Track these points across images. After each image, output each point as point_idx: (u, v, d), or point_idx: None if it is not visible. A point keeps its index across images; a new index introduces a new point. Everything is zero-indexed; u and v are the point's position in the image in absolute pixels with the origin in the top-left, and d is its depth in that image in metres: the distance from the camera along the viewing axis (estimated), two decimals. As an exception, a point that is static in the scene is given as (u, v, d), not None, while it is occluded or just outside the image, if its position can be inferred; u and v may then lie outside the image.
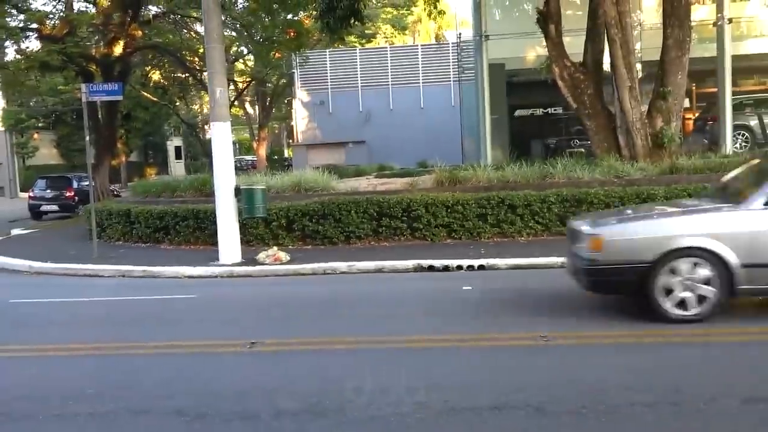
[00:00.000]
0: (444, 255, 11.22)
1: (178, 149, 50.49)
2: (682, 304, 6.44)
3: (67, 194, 25.98)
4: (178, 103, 44.35)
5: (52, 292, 10.67)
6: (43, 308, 9.37)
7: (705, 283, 6.38)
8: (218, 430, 4.55)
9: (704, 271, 6.35)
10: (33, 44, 26.05)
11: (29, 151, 42.79)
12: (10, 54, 26.24)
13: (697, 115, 22.90)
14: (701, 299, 6.41)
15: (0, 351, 6.87)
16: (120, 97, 15.57)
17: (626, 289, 6.73)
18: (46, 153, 44.44)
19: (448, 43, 40.27)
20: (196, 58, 31.57)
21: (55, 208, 25.84)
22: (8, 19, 22.97)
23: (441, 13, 19.67)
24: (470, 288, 9.02)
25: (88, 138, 14.45)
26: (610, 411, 4.50)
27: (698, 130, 21.17)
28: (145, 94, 36.90)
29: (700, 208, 6.97)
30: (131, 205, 15.99)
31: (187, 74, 35.29)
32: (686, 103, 19.87)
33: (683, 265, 6.39)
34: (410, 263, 10.87)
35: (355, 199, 13.16)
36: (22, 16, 23.68)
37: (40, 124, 42.38)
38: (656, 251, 6.41)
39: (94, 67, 25.37)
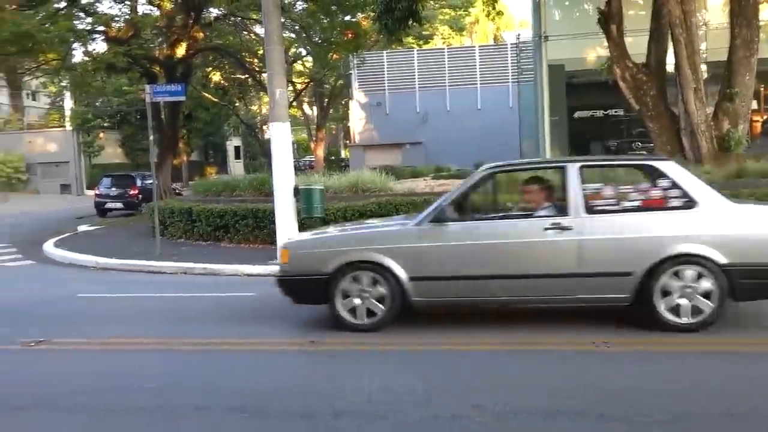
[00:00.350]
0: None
1: (237, 149, 51.27)
2: (367, 313, 6.76)
3: (131, 192, 26.62)
4: (237, 104, 45.04)
5: (118, 288, 10.90)
6: (109, 303, 9.58)
7: (380, 297, 6.72)
8: (278, 427, 4.57)
9: (380, 286, 6.70)
10: (99, 46, 26.81)
11: (95, 150, 43.98)
12: (78, 56, 27.03)
13: (765, 117, 22.26)
14: (369, 312, 6.75)
15: (68, 344, 7.05)
16: (183, 98, 15.86)
17: (311, 298, 7.06)
18: (111, 152, 45.65)
19: (506, 44, 39.95)
20: (255, 60, 32.00)
21: (119, 205, 26.50)
22: (76, 23, 23.66)
23: (499, 13, 19.53)
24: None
25: (152, 137, 14.76)
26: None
27: (766, 132, 20.55)
28: (206, 95, 37.55)
29: (380, 224, 7.52)
30: (192, 203, 16.24)
31: (246, 75, 35.80)
32: (754, 104, 19.31)
33: (355, 276, 6.74)
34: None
35: (412, 200, 13.13)
36: (89, 19, 24.34)
37: (105, 124, 43.54)
38: (335, 264, 6.75)
39: (158, 68, 25.93)
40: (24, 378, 5.95)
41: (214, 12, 27.37)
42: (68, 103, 43.12)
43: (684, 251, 6.19)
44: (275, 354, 6.52)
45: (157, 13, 25.91)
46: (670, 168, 6.53)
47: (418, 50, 40.82)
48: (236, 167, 48.85)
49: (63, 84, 33.11)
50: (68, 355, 6.73)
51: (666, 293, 6.24)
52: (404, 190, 14.78)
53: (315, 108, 47.47)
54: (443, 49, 42.75)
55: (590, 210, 6.45)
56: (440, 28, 48.54)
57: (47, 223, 22.16)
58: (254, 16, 26.69)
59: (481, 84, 39.17)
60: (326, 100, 43.28)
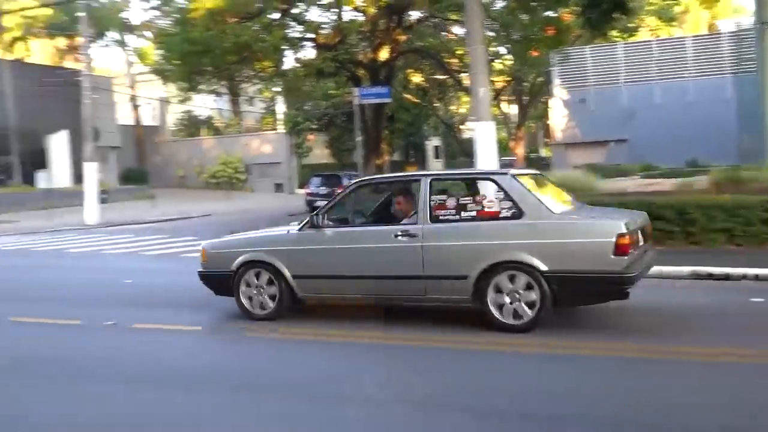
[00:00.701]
0: (723, 262, 10.12)
1: (436, 148, 51.84)
2: (261, 306, 7.74)
3: (339, 191, 27.65)
4: (437, 104, 45.50)
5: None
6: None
7: (271, 292, 7.69)
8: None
9: (265, 279, 7.69)
10: (308, 53, 28.13)
11: (304, 151, 46.36)
12: (289, 63, 28.57)
13: None
14: (265, 305, 7.71)
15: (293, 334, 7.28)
16: (388, 100, 16.26)
17: (225, 291, 8.02)
18: (319, 153, 47.94)
19: (722, 33, 37.05)
20: (455, 60, 32.09)
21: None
22: (288, 31, 25.00)
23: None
24: (761, 300, 8.15)
25: (359, 138, 15.25)
26: None
27: None
28: (407, 96, 38.26)
29: (271, 229, 8.79)
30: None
31: (446, 76, 36.04)
32: None
33: (251, 274, 7.76)
34: (685, 269, 10.01)
35: (621, 201, 12.43)
36: (300, 28, 25.63)
37: (313, 126, 45.73)
38: (235, 263, 7.81)
39: (362, 71, 26.75)
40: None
41: (415, 14, 27.81)
42: (281, 108, 45.81)
43: (509, 258, 6.65)
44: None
45: (361, 18, 26.75)
46: (504, 180, 6.94)
47: (623, 43, 38.96)
48: (436, 166, 49.38)
49: (276, 89, 35.21)
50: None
51: (496, 296, 6.75)
52: (611, 190, 14.07)
53: (514, 106, 46.84)
54: (651, 41, 40.44)
55: (434, 219, 7.05)
56: (647, 20, 45.97)
57: (264, 219, 23.62)
58: (453, 17, 26.75)
59: (693, 76, 36.60)
60: (526, 97, 42.53)
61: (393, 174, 9.95)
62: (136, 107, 49.30)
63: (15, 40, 43.64)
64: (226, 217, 25.43)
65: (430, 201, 7.09)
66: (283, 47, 24.41)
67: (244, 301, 7.85)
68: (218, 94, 42.39)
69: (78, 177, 35.29)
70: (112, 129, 43.36)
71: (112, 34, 46.58)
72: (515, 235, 6.70)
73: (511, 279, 6.69)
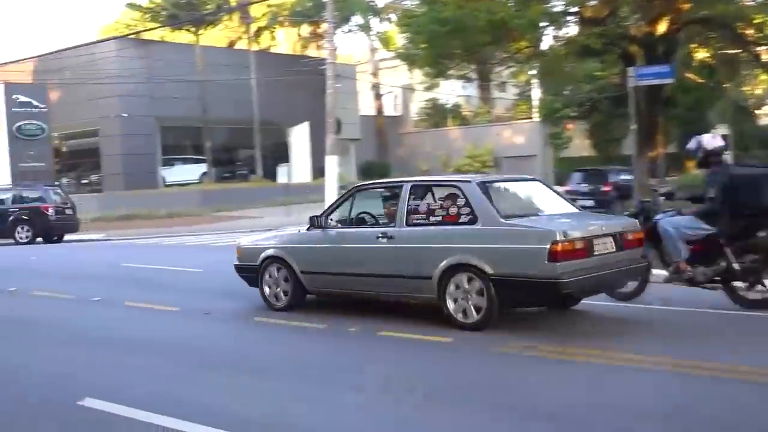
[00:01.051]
0: None
1: (724, 138, 48.34)
2: (277, 298, 9.54)
3: (604, 189, 26.55)
4: (727, 85, 42.27)
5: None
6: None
7: (285, 281, 9.45)
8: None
9: (282, 274, 9.46)
10: (570, 29, 27.28)
11: (562, 141, 45.21)
12: (547, 42, 27.90)
13: None
14: (280, 296, 9.53)
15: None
16: (671, 80, 15.22)
17: (253, 282, 9.86)
18: (578, 144, 46.38)
19: None
20: (751, 30, 29.46)
21: (590, 203, 26.61)
22: (548, 6, 24.39)
23: None
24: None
25: (633, 127, 14.42)
26: None
27: None
28: (690, 75, 35.86)
29: (287, 230, 10.53)
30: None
31: (739, 50, 33.27)
32: None
33: (272, 268, 9.55)
34: None
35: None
36: (563, 1, 24.92)
37: (573, 114, 44.43)
38: (260, 258, 9.63)
39: (636, 48, 25.43)
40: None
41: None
42: (536, 93, 45.15)
43: (462, 261, 7.92)
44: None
45: (637, -14, 25.44)
46: (466, 187, 8.18)
47: None
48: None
49: (532, 72, 34.72)
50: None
51: (453, 296, 8.03)
52: None
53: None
54: None
55: (408, 223, 8.50)
56: None
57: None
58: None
59: None
60: None
61: (384, 180, 11.36)
62: (378, 96, 51.21)
63: (260, 30, 47.31)
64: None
65: (407, 205, 8.58)
66: (542, 24, 23.87)
67: (267, 291, 9.70)
68: (468, 79, 42.73)
69: (317, 171, 37.52)
70: (354, 120, 45.55)
71: (357, 19, 48.78)
72: (468, 240, 8.02)
73: (468, 281, 7.96)
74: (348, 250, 9.01)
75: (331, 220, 9.38)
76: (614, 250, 8.03)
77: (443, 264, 8.04)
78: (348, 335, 8.21)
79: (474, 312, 7.90)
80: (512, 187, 9.32)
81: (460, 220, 8.12)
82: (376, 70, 51.69)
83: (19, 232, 23.97)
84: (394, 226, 8.63)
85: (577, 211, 9.03)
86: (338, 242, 9.11)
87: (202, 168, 40.57)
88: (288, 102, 40.96)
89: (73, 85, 36.89)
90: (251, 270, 9.90)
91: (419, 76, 39.86)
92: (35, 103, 33.69)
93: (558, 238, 7.43)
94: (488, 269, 7.74)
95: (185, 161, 42.18)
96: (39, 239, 24.33)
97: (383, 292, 8.84)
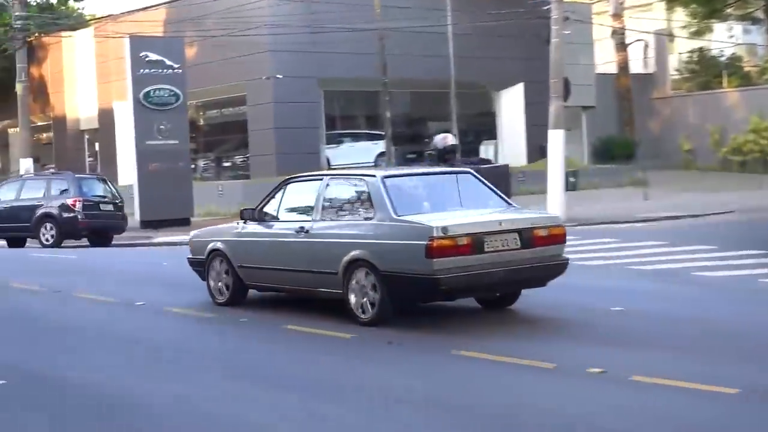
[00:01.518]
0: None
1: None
2: (220, 292, 12.56)
3: None
4: None
5: None
6: None
7: (227, 275, 12.40)
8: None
9: (224, 267, 12.38)
10: None
11: None
12: None
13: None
14: (223, 290, 12.56)
15: None
16: None
17: (202, 275, 12.75)
18: None
19: None
20: None
21: None
22: None
23: None
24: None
25: None
26: None
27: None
28: None
29: (226, 224, 14.12)
30: None
31: None
32: None
33: (216, 262, 12.51)
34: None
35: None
36: None
37: None
38: (207, 251, 12.61)
39: None
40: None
41: None
42: None
43: (360, 256, 10.35)
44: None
45: None
46: (371, 181, 10.73)
47: None
48: None
49: None
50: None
51: (354, 291, 10.46)
52: None
53: None
54: None
55: (322, 217, 11.10)
56: None
57: None
58: None
59: None
60: None
61: (310, 173, 13.81)
62: (622, 47, 49.35)
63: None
64: (758, 215, 24.41)
65: (323, 200, 11.11)
66: None
67: (212, 285, 12.39)
68: (752, 20, 41.00)
69: (533, 151, 37.10)
70: (588, 80, 44.47)
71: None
72: (365, 236, 10.42)
73: (365, 276, 10.22)
74: (273, 244, 11.80)
75: (265, 213, 11.95)
76: (517, 247, 10.11)
77: (345, 259, 10.37)
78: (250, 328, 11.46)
79: (369, 308, 10.20)
80: (431, 181, 11.77)
81: (363, 216, 10.65)
82: (619, 10, 49.30)
83: (43, 233, 25.88)
84: (311, 221, 11.10)
85: (500, 206, 11.19)
86: (266, 236, 11.86)
87: (379, 147, 40.35)
88: (496, 57, 40.63)
89: (214, 38, 37.59)
90: (200, 264, 12.61)
91: (682, 18, 38.72)
92: (168, 62, 33.77)
93: (435, 234, 9.60)
94: (379, 265, 10.03)
95: (357, 137, 42.28)
96: (72, 240, 26.60)
97: (303, 287, 11.45)
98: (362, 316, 10.34)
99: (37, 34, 44.12)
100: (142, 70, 33.13)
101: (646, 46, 51.78)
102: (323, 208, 11.12)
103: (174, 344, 10.49)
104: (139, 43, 34.13)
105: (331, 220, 11.08)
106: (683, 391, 7.45)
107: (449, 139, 15.54)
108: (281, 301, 12.54)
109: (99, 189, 27.30)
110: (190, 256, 13.06)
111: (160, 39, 37.61)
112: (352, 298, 10.42)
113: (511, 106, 42.05)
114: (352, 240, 10.50)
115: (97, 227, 26.87)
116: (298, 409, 7.30)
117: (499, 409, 7.15)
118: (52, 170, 35.97)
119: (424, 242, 9.57)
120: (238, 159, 42.42)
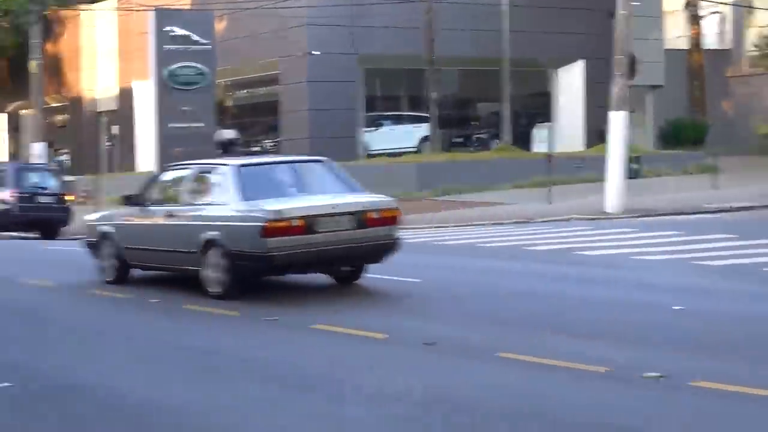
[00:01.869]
0: None
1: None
2: (108, 271, 15.21)
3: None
4: None
5: None
6: None
7: (112, 257, 15.12)
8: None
9: (111, 249, 15.00)
10: None
11: None
12: None
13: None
14: (111, 270, 15.11)
15: None
16: None
17: (95, 256, 15.54)
18: None
19: None
20: None
21: None
22: None
23: None
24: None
25: None
26: None
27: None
28: None
29: (117, 209, 16.80)
30: None
31: None
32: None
33: (105, 243, 15.16)
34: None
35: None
36: None
37: None
38: (98, 233, 15.39)
39: None
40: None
41: None
42: None
43: (213, 237, 12.86)
44: None
45: None
46: (226, 170, 13.71)
47: None
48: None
49: None
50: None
51: (207, 268, 13.01)
52: None
53: None
54: None
55: (185, 202, 14.13)
56: None
57: None
58: None
59: None
60: None
61: (186, 162, 16.35)
62: (695, 20, 48.69)
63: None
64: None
65: (189, 187, 13.97)
66: None
67: (101, 264, 15.11)
68: None
69: (593, 135, 36.80)
70: (657, 57, 43.85)
71: None
72: (219, 219, 12.95)
73: (218, 255, 12.64)
74: (148, 227, 14.59)
75: (145, 198, 14.64)
76: (351, 228, 12.73)
77: (201, 239, 12.87)
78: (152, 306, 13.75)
79: (220, 283, 12.73)
80: (285, 169, 14.48)
81: (219, 201, 13.34)
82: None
83: None
84: (178, 206, 14.05)
85: (343, 192, 13.60)
86: (144, 219, 14.56)
87: (423, 130, 40.34)
88: (554, 31, 40.47)
89: (246, 11, 38.01)
90: (92, 245, 15.42)
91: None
92: (195, 37, 33.82)
93: (270, 217, 12.23)
94: (228, 245, 12.59)
95: (398, 120, 42.41)
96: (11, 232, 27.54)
97: (173, 265, 14.25)
98: (214, 289, 12.82)
99: (54, 7, 44.01)
100: (166, 47, 33.17)
101: (723, 19, 51.00)
102: (189, 194, 14.10)
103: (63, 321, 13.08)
104: (164, 16, 34.25)
105: (194, 205, 13.90)
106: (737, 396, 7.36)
107: (225, 134, 20.41)
108: (163, 280, 15.35)
109: (46, 181, 28.81)
110: (87, 238, 15.82)
111: (187, 12, 38.12)
112: (208, 274, 12.89)
113: (569, 85, 41.81)
114: (208, 222, 13.12)
115: (35, 220, 28.39)
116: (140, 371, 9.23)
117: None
118: (64, 155, 36.38)
119: (261, 224, 12.20)
120: (268, 143, 42.28)
